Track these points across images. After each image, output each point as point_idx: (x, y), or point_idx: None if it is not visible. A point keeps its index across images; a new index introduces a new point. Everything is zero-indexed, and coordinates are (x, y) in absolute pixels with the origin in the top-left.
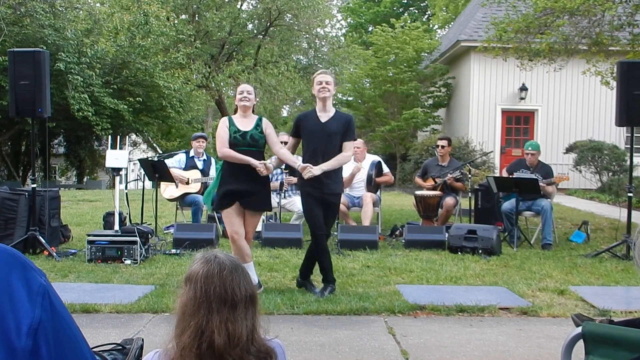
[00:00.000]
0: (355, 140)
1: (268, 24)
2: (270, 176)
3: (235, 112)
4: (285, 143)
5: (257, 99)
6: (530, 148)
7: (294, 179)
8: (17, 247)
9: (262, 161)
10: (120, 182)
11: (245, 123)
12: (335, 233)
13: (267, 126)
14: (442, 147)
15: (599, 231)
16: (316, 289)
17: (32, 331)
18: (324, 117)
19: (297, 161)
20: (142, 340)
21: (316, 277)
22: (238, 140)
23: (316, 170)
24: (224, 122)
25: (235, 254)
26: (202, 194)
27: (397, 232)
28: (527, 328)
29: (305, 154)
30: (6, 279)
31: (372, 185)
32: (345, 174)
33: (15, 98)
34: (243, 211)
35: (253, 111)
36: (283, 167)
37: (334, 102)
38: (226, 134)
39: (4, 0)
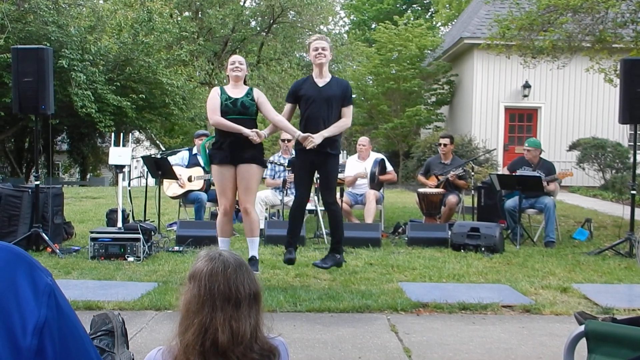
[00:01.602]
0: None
1: (271, 21)
2: (272, 174)
3: (227, 83)
4: (288, 141)
5: (249, 71)
6: (527, 145)
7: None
8: (20, 244)
9: (254, 129)
10: (124, 179)
11: (236, 92)
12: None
13: (259, 95)
14: (444, 145)
15: (602, 229)
16: (294, 252)
17: (38, 330)
18: (321, 82)
19: (296, 130)
20: (119, 313)
21: (318, 274)
22: (229, 108)
23: (317, 138)
24: (215, 90)
25: (222, 227)
26: (206, 191)
27: (400, 230)
28: (529, 326)
29: (303, 118)
30: (12, 278)
31: (375, 182)
32: (349, 173)
33: (19, 95)
34: (235, 177)
35: (245, 83)
36: (286, 164)
37: None
38: (218, 102)
39: None
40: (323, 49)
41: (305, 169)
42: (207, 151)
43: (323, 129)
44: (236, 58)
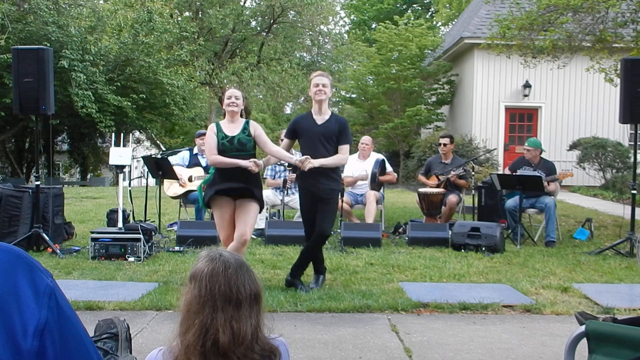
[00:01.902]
0: (350, 144)
1: (271, 21)
2: (273, 174)
3: (224, 117)
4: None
5: (245, 103)
6: (527, 144)
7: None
8: (20, 244)
9: (251, 159)
10: (124, 180)
11: (232, 128)
12: (339, 230)
13: (255, 128)
14: (444, 144)
15: (602, 228)
16: (306, 286)
17: (39, 332)
18: (319, 119)
19: (292, 155)
20: (125, 319)
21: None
22: (226, 146)
23: (315, 162)
24: (211, 129)
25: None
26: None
27: (401, 230)
28: (530, 326)
29: (303, 155)
30: (13, 279)
31: (376, 183)
32: (349, 173)
33: (19, 95)
34: (234, 212)
35: (242, 115)
36: (286, 164)
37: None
38: (214, 141)
39: None
40: (324, 85)
41: (309, 205)
42: (203, 192)
43: (324, 168)
44: (232, 92)
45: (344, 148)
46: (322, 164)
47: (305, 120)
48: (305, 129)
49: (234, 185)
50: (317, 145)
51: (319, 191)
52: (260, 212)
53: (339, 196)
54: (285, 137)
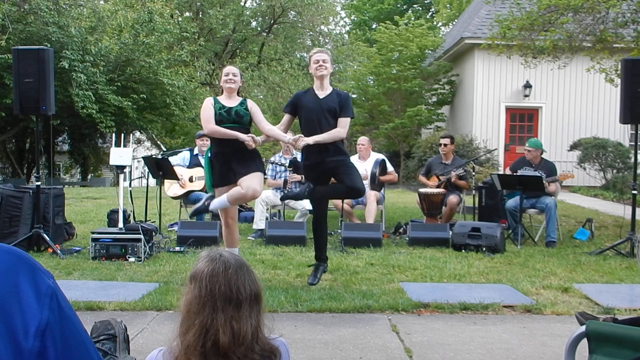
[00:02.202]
0: (352, 117)
1: (272, 21)
2: (273, 174)
3: (221, 94)
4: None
5: (242, 82)
6: (527, 145)
7: (298, 177)
8: (21, 245)
9: (249, 134)
10: (124, 180)
11: (230, 102)
12: (339, 231)
13: (252, 105)
14: (445, 145)
15: (603, 229)
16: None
17: (40, 333)
18: (321, 94)
19: (285, 135)
20: (122, 320)
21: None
22: (223, 117)
23: (309, 139)
24: (208, 100)
25: (226, 237)
26: (206, 191)
27: (401, 230)
28: (531, 326)
29: (301, 128)
30: (14, 280)
31: (376, 183)
32: None
33: (20, 96)
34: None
35: (238, 94)
36: (287, 164)
37: None
38: (212, 111)
39: None
40: (324, 61)
41: (319, 181)
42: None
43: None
44: (230, 69)
45: (343, 121)
46: (316, 140)
47: (307, 95)
48: (307, 103)
49: (233, 164)
50: (319, 119)
51: (323, 164)
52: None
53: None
54: (284, 112)
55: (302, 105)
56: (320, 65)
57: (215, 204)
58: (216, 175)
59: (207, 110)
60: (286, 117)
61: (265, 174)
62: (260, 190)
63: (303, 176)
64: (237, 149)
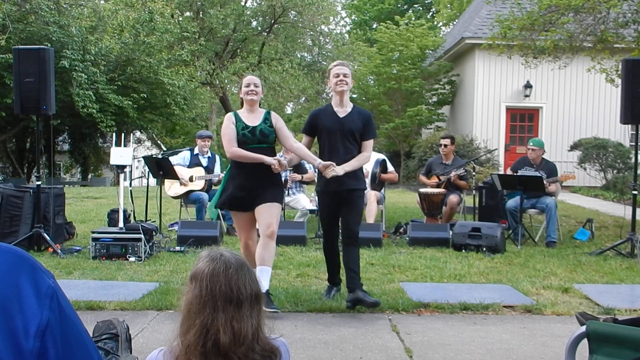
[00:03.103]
0: (374, 138)
1: (272, 21)
2: None
3: (241, 106)
4: None
5: (264, 92)
6: (531, 144)
7: (298, 176)
8: (21, 244)
9: (276, 157)
10: (125, 180)
11: (252, 118)
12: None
13: (277, 120)
14: (445, 145)
15: (603, 229)
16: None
17: (40, 333)
18: (341, 112)
19: (316, 158)
20: (124, 320)
21: (319, 274)
22: (247, 138)
23: (339, 170)
24: (229, 118)
25: (247, 258)
26: (207, 191)
27: (401, 230)
28: (531, 326)
29: (322, 151)
30: (15, 280)
31: (377, 183)
32: None
33: (20, 95)
34: (254, 217)
35: (259, 105)
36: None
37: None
38: (234, 132)
39: None
40: (345, 75)
41: (330, 210)
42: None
43: (343, 163)
44: (251, 79)
45: (368, 144)
46: (346, 170)
47: (325, 113)
48: (326, 124)
49: (254, 187)
50: (339, 142)
51: (339, 190)
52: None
53: (364, 199)
54: (303, 133)
55: (321, 127)
56: (340, 80)
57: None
58: (228, 197)
59: (228, 130)
60: (305, 139)
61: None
62: (276, 228)
63: (303, 176)
64: (261, 173)
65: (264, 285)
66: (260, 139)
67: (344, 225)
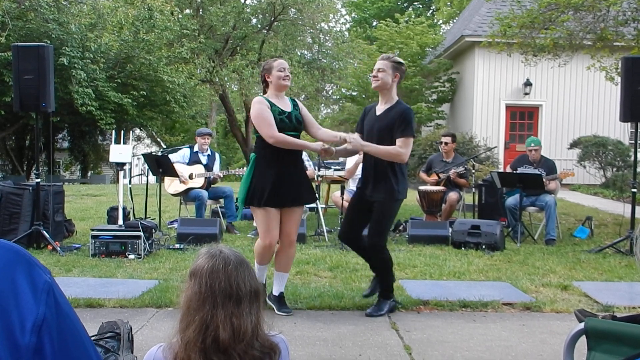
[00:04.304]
0: (412, 137)
1: (272, 18)
2: None
3: (264, 92)
4: None
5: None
6: (533, 144)
7: None
8: (21, 242)
9: (320, 143)
10: (124, 177)
11: (283, 104)
12: (339, 228)
13: (302, 106)
14: (446, 143)
15: (602, 227)
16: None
17: (36, 328)
18: (380, 109)
19: (337, 133)
20: (128, 321)
21: (319, 271)
22: (285, 124)
23: (362, 142)
24: (263, 102)
25: (263, 256)
26: (206, 189)
27: (401, 228)
28: (530, 323)
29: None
30: (11, 276)
31: None
32: (350, 164)
33: (19, 93)
34: (280, 218)
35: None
36: None
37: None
38: (272, 117)
39: None
40: (379, 70)
41: (358, 206)
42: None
43: (372, 172)
44: (284, 64)
45: (399, 142)
46: (367, 149)
47: (370, 110)
48: (367, 122)
49: (285, 182)
50: (372, 140)
51: (364, 195)
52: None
53: (393, 208)
54: (356, 131)
55: (364, 125)
56: (373, 77)
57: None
58: (258, 193)
59: (266, 114)
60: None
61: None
62: (295, 237)
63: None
64: (295, 168)
65: (279, 289)
66: (296, 125)
67: (370, 230)
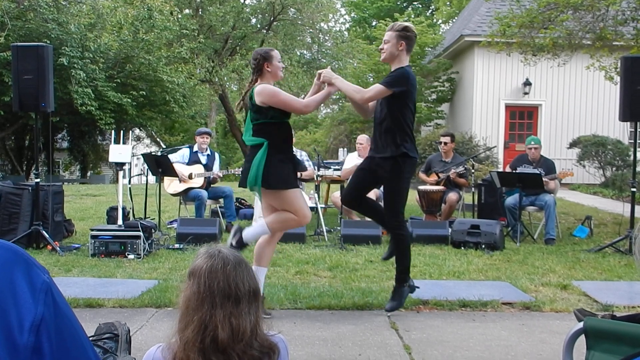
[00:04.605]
0: (386, 87)
1: (272, 18)
2: None
3: (256, 80)
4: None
5: None
6: (533, 142)
7: (297, 174)
8: (20, 242)
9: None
10: (124, 177)
11: None
12: (339, 228)
13: None
14: (445, 143)
15: (602, 226)
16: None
17: (35, 327)
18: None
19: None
20: (125, 323)
21: (319, 271)
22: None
23: (333, 75)
24: (273, 86)
25: (264, 259)
26: (206, 188)
27: None
28: (529, 323)
29: None
30: (9, 276)
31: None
32: (349, 165)
33: (19, 92)
34: None
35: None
36: None
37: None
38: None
39: None
40: (385, 41)
41: (366, 174)
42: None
43: (378, 133)
44: (279, 55)
45: (375, 86)
46: (339, 85)
47: None
48: None
49: (295, 176)
50: (380, 106)
51: (371, 159)
52: None
53: (400, 184)
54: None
55: None
56: (380, 49)
57: (251, 232)
58: (283, 175)
59: (284, 93)
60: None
61: None
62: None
63: (302, 173)
64: (293, 153)
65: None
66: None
67: (384, 209)
